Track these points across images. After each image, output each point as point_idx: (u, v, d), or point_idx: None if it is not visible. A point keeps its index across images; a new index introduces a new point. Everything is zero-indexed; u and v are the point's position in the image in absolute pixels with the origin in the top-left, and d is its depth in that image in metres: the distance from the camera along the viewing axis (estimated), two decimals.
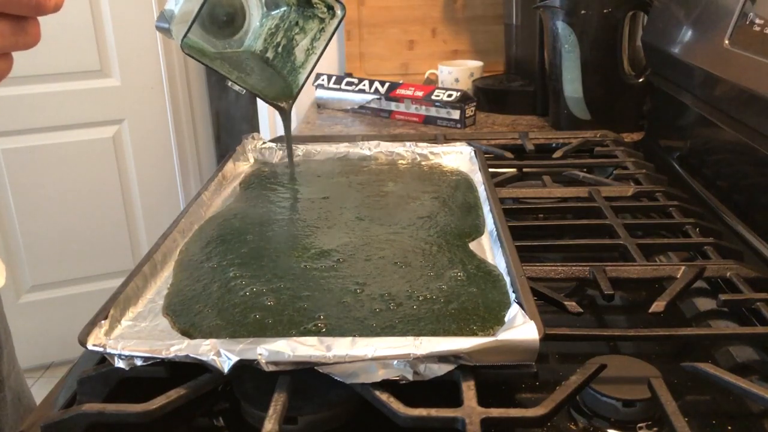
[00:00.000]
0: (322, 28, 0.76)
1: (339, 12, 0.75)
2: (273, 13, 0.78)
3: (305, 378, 0.42)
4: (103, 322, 0.46)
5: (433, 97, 1.26)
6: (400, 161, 0.84)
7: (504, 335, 0.42)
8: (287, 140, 0.81)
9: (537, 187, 0.81)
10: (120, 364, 0.43)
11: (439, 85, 1.39)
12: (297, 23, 0.77)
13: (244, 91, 0.73)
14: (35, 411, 0.48)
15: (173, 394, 0.41)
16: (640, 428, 0.43)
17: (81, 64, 1.92)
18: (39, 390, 0.82)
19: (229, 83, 0.73)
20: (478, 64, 1.43)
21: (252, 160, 0.85)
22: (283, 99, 0.78)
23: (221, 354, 0.41)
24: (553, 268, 0.59)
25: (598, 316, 0.59)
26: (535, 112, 1.31)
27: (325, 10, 0.76)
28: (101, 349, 0.44)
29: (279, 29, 0.78)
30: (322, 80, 1.40)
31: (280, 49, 0.79)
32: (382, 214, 0.67)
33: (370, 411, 0.41)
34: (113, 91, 1.99)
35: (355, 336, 0.44)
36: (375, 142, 0.86)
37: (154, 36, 2.00)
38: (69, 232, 2.04)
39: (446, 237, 0.61)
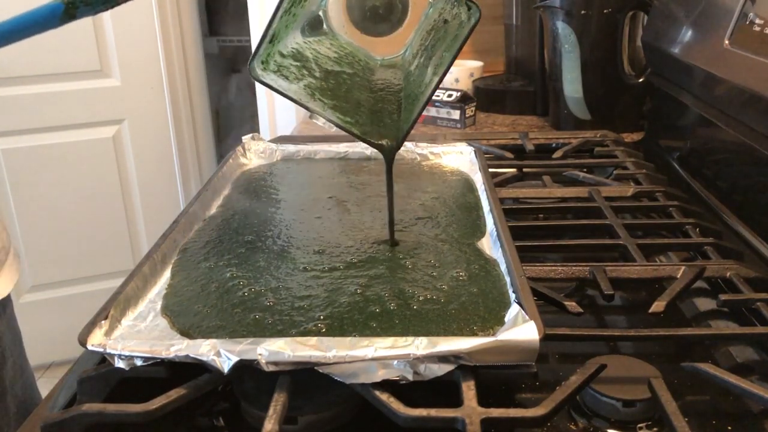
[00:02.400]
0: (456, 35, 0.57)
1: (475, 14, 0.55)
2: (435, 3, 0.60)
3: (305, 378, 0.42)
4: (103, 322, 0.46)
5: (433, 97, 1.26)
6: (400, 161, 0.84)
7: (504, 335, 0.42)
8: (388, 190, 0.60)
9: (537, 187, 0.81)
10: (120, 364, 0.43)
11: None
12: (445, 21, 0.58)
13: (333, 128, 0.56)
14: (35, 411, 0.48)
15: (173, 394, 0.41)
16: (640, 428, 0.43)
17: (81, 64, 1.92)
18: (39, 390, 0.82)
19: (317, 118, 0.57)
20: (478, 64, 1.43)
21: (252, 161, 0.85)
22: (389, 135, 0.59)
23: (221, 354, 0.41)
24: (553, 268, 0.59)
25: (598, 316, 0.59)
26: (535, 112, 1.31)
27: (466, 8, 0.56)
28: (101, 350, 0.44)
29: (434, 26, 0.60)
30: None
31: (423, 56, 0.59)
32: (382, 215, 0.67)
33: (370, 411, 0.41)
34: (113, 91, 1.99)
35: (355, 336, 0.44)
36: None
37: (154, 36, 2.00)
38: (69, 232, 2.04)
39: (448, 237, 0.61)
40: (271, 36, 0.52)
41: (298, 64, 0.58)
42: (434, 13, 0.61)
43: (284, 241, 0.61)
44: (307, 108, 0.56)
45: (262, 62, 0.54)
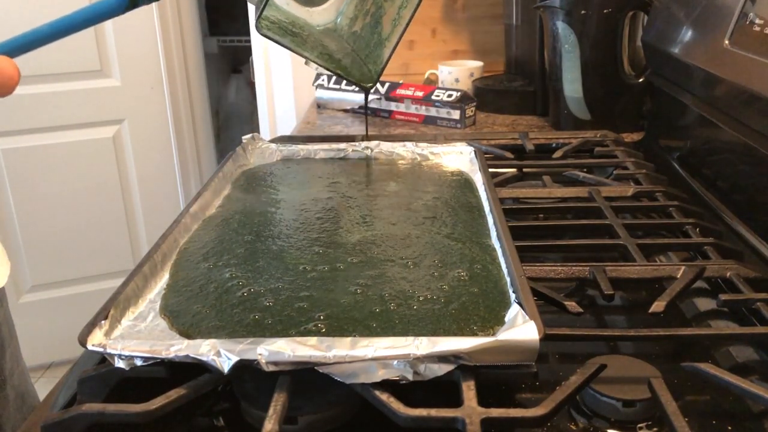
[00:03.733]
0: None
1: None
2: None
3: (305, 378, 0.42)
4: (103, 322, 0.46)
5: (433, 97, 1.26)
6: (400, 161, 0.84)
7: (504, 335, 0.42)
8: (366, 110, 0.94)
9: (537, 187, 0.81)
10: (120, 364, 0.43)
11: (439, 85, 1.39)
12: None
13: (325, 72, 0.74)
14: (35, 411, 0.48)
15: (173, 394, 0.41)
16: (640, 428, 0.43)
17: (81, 64, 1.92)
18: (39, 390, 0.83)
19: (310, 63, 0.71)
20: (478, 64, 1.43)
21: (252, 161, 0.85)
22: (367, 77, 0.77)
23: (221, 354, 0.41)
24: (553, 268, 0.59)
25: (598, 316, 0.59)
26: (535, 112, 1.31)
27: None
28: (101, 350, 0.44)
29: None
30: (322, 80, 1.40)
31: (368, 17, 0.76)
32: (382, 215, 0.67)
33: (370, 411, 0.41)
34: (113, 91, 1.99)
35: (355, 336, 0.44)
36: (375, 142, 0.86)
37: (154, 36, 2.00)
38: (69, 232, 2.04)
39: (455, 237, 0.61)
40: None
41: (286, 21, 0.73)
42: None
43: (284, 241, 0.61)
44: (302, 55, 0.73)
45: (262, 18, 0.68)
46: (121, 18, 0.55)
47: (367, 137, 0.85)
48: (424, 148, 0.84)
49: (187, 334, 0.47)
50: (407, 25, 0.74)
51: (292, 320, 0.48)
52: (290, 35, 0.71)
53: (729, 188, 0.76)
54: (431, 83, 1.47)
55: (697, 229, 0.68)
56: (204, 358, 0.41)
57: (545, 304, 0.54)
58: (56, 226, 2.02)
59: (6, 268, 0.77)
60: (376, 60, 0.78)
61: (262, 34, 0.68)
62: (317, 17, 0.77)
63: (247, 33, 1.88)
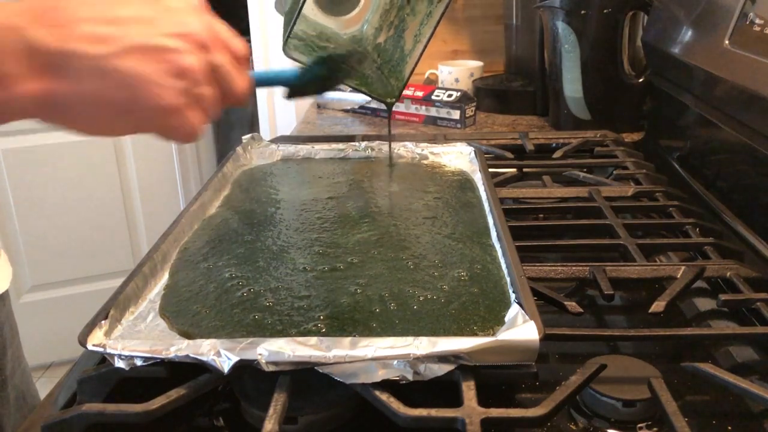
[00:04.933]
0: (430, 12, 0.75)
1: None
2: None
3: (305, 378, 0.42)
4: (103, 322, 0.46)
5: (433, 97, 1.26)
6: (400, 161, 0.84)
7: (504, 335, 0.42)
8: (388, 118, 0.94)
9: (537, 187, 0.81)
10: (120, 364, 0.43)
11: (439, 85, 1.39)
12: (408, 1, 0.76)
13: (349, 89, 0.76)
14: (35, 411, 0.48)
15: (173, 394, 0.41)
16: (640, 428, 0.43)
17: None
18: (39, 390, 0.84)
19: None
20: (478, 64, 1.43)
21: (252, 161, 0.85)
22: (390, 93, 0.78)
23: (221, 354, 0.41)
24: (553, 268, 0.59)
25: (598, 316, 0.59)
26: (535, 112, 1.31)
27: None
28: (101, 350, 0.44)
29: (393, 6, 0.76)
30: None
31: (392, 30, 0.77)
32: (382, 215, 0.67)
33: (370, 411, 0.41)
34: None
35: (355, 336, 0.44)
36: (375, 142, 0.86)
37: None
38: (69, 233, 2.04)
39: (455, 237, 0.61)
40: (294, 21, 0.66)
41: (313, 43, 0.73)
42: None
43: (284, 241, 0.61)
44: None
45: (290, 38, 0.69)
46: None
47: (390, 138, 0.86)
48: (424, 148, 0.84)
49: (187, 334, 0.47)
50: (428, 41, 0.75)
51: (292, 320, 0.48)
52: (317, 51, 0.71)
53: (729, 188, 0.76)
54: (431, 83, 1.47)
55: (697, 229, 0.68)
56: (204, 358, 0.41)
57: (545, 304, 0.54)
58: (56, 226, 2.02)
59: (8, 272, 0.77)
60: (398, 75, 0.79)
61: (289, 56, 0.67)
62: (344, 26, 0.78)
63: (248, 32, 1.88)
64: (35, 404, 0.78)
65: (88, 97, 0.39)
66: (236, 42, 0.45)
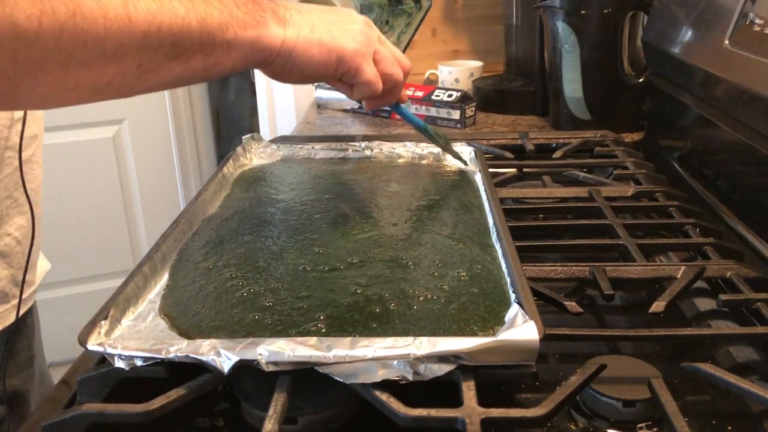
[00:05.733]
0: (409, 22, 0.77)
1: (425, 3, 0.76)
2: (367, 15, 0.79)
3: (305, 378, 0.42)
4: (103, 322, 0.46)
5: (433, 97, 1.26)
6: (400, 161, 0.84)
7: (504, 335, 0.42)
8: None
9: (537, 187, 0.81)
10: (120, 364, 0.43)
11: (439, 85, 1.39)
12: (387, 22, 0.78)
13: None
14: (35, 411, 0.48)
15: (173, 394, 0.41)
16: (640, 428, 0.43)
17: None
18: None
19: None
20: (478, 64, 1.43)
21: (252, 161, 0.85)
22: None
23: (221, 354, 0.41)
24: (553, 268, 0.59)
25: (598, 316, 0.59)
26: (535, 112, 1.31)
27: (412, 4, 0.77)
28: (101, 350, 0.44)
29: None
30: None
31: None
32: (382, 215, 0.67)
33: (370, 411, 0.41)
34: None
35: (355, 336, 0.44)
36: (375, 142, 0.86)
37: None
38: (69, 232, 2.04)
39: (455, 237, 0.61)
40: None
41: None
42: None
43: (284, 241, 0.61)
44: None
45: None
46: None
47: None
48: (424, 149, 0.84)
49: (187, 334, 0.47)
50: (406, 47, 0.80)
51: (292, 320, 0.48)
52: None
53: (729, 188, 0.76)
54: (431, 83, 1.47)
55: (697, 229, 0.68)
56: (204, 358, 0.41)
57: (545, 304, 0.54)
58: (56, 226, 2.02)
59: (44, 257, 0.88)
60: None
61: None
62: None
63: None
64: (51, 386, 0.83)
65: (306, 39, 0.56)
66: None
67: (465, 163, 0.80)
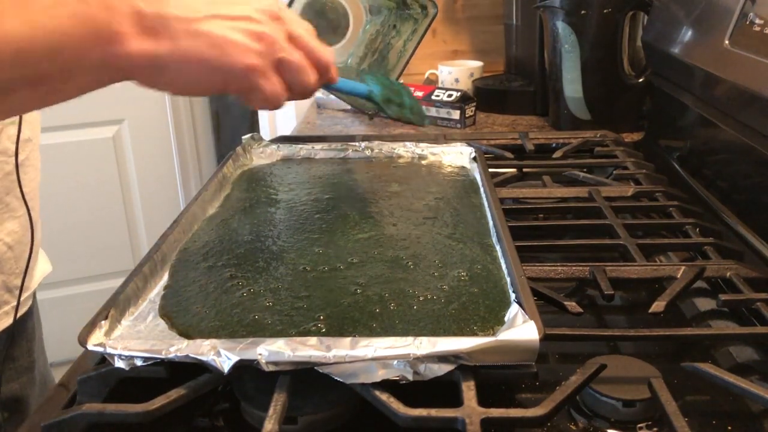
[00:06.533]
0: (415, 29, 0.77)
1: (432, 10, 0.76)
2: (375, 18, 0.78)
3: (305, 378, 0.42)
4: (103, 322, 0.46)
5: (433, 98, 1.26)
6: (400, 161, 0.84)
7: (504, 335, 0.42)
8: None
9: (537, 187, 0.81)
10: (120, 364, 0.43)
11: (439, 85, 1.39)
12: (394, 26, 0.77)
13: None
14: (35, 412, 0.48)
15: (173, 394, 0.41)
16: (640, 428, 0.43)
17: None
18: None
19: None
20: (478, 64, 1.43)
21: (252, 161, 0.85)
22: (369, 107, 0.80)
23: (221, 354, 0.41)
24: (553, 268, 0.59)
25: (598, 316, 0.59)
26: (535, 112, 1.31)
27: (419, 10, 0.76)
28: (101, 350, 0.44)
29: (379, 34, 0.78)
30: None
31: (376, 55, 0.79)
32: (382, 215, 0.67)
33: (370, 411, 0.41)
34: (113, 91, 1.96)
35: (355, 336, 0.44)
36: (375, 142, 0.86)
37: None
38: (69, 233, 2.04)
39: (456, 237, 0.61)
40: None
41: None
42: (372, 28, 0.81)
43: (284, 241, 0.61)
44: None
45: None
46: None
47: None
48: (424, 148, 0.84)
49: (187, 334, 0.47)
50: (411, 55, 0.79)
51: (292, 320, 0.48)
52: None
53: (729, 188, 0.76)
54: (431, 83, 1.47)
55: (697, 229, 0.68)
56: (204, 358, 0.41)
57: (545, 304, 0.53)
58: (56, 226, 2.02)
59: (47, 260, 0.86)
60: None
61: None
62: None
63: None
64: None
65: (183, 55, 0.44)
66: (306, 23, 0.52)
67: (423, 120, 0.76)
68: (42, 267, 0.86)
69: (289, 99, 0.53)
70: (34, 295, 0.81)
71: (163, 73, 0.45)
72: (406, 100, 0.73)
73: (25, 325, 0.78)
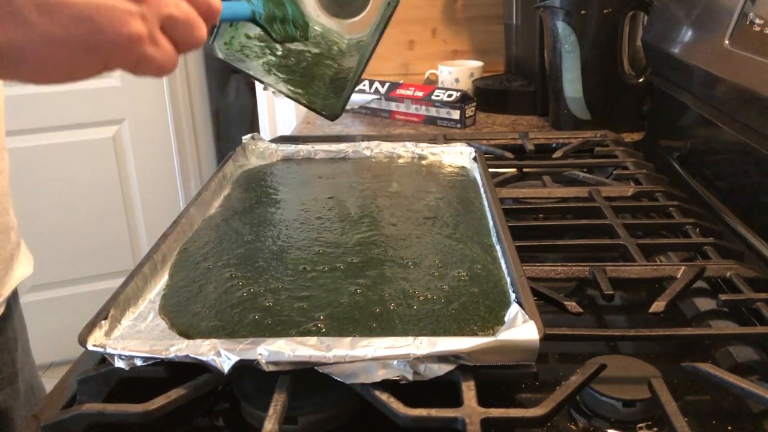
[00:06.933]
0: (378, 21, 0.72)
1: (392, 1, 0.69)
2: None
3: (305, 378, 0.42)
4: (103, 322, 0.46)
5: (433, 97, 1.26)
6: (400, 161, 0.84)
7: (504, 335, 0.42)
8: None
9: (537, 187, 0.81)
10: (120, 364, 0.43)
11: (439, 85, 1.39)
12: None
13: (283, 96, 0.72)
14: (35, 411, 0.48)
15: (173, 394, 0.41)
16: (640, 428, 0.43)
17: None
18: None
19: (270, 90, 0.71)
20: (478, 64, 1.43)
21: (252, 161, 0.85)
22: (329, 108, 0.74)
23: (221, 354, 0.41)
24: (553, 268, 0.59)
25: (598, 316, 0.59)
26: (535, 112, 1.31)
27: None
28: (101, 350, 0.44)
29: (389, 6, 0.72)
30: None
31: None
32: (382, 215, 0.67)
33: (370, 411, 0.41)
34: (113, 91, 1.99)
35: (355, 336, 0.44)
36: (375, 142, 0.86)
37: None
38: (69, 233, 2.04)
39: (455, 237, 0.61)
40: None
41: (261, 44, 0.72)
42: None
43: (284, 242, 0.61)
44: (261, 81, 0.72)
45: (225, 43, 0.70)
46: None
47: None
48: (424, 149, 0.84)
49: (187, 334, 0.47)
50: (370, 56, 0.73)
51: (292, 320, 0.48)
52: (256, 57, 0.71)
53: (729, 188, 0.76)
54: (431, 83, 1.47)
55: (697, 229, 0.68)
56: (204, 358, 0.41)
57: (545, 304, 0.53)
58: (56, 226, 2.02)
59: (29, 260, 0.79)
60: (341, 93, 0.76)
61: (213, 54, 0.68)
62: (347, 30, 0.75)
63: None
64: (42, 397, 0.79)
65: (41, 39, 0.35)
66: None
67: (306, 34, 0.67)
68: (22, 271, 0.77)
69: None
70: (9, 302, 0.75)
71: (21, 65, 0.36)
72: (288, 8, 0.62)
73: (5, 335, 0.72)
